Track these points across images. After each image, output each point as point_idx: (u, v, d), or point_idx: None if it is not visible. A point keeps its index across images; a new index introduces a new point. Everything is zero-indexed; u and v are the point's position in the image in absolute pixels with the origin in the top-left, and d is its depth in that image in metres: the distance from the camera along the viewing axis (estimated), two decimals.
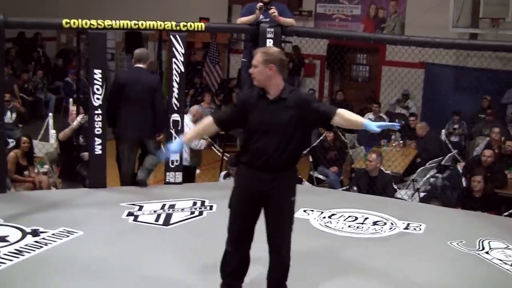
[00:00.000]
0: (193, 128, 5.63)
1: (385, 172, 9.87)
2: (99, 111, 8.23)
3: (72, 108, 8.59)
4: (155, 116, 8.46)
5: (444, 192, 10.12)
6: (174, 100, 8.55)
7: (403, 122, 14.18)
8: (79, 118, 8.99)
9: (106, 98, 8.38)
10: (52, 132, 11.81)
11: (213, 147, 12.23)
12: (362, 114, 14.32)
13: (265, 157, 5.03)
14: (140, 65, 8.61)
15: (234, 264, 5.35)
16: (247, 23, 8.93)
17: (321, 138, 11.82)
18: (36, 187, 9.18)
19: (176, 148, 5.65)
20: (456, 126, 13.92)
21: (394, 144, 12.19)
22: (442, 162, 11.21)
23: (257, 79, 5.09)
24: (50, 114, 12.64)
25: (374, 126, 4.94)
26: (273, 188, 5.07)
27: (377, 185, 9.28)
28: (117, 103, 8.47)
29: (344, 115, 5.05)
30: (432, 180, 10.66)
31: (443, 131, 12.94)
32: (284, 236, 5.17)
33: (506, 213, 9.02)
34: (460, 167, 11.10)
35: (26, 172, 9.32)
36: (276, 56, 5.08)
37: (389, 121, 14.22)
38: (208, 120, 5.40)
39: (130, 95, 8.43)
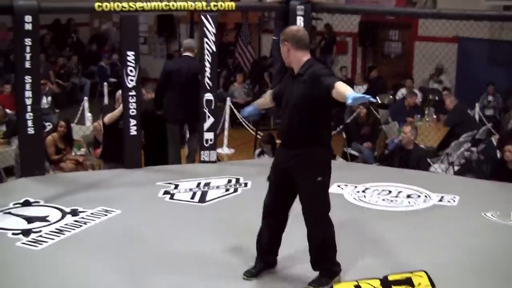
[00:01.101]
0: (261, 99, 5.79)
1: (420, 146, 9.86)
2: (133, 93, 8.34)
3: (120, 93, 8.72)
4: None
5: (479, 166, 10.08)
6: (206, 80, 8.62)
7: (436, 98, 14.19)
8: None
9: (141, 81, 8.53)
10: (88, 115, 12.01)
11: (247, 126, 12.33)
12: (395, 89, 14.35)
13: (284, 133, 5.21)
14: (188, 53, 9.13)
15: (266, 238, 5.45)
16: (277, 1, 8.97)
17: (354, 114, 11.83)
18: (77, 168, 9.38)
19: (251, 110, 5.73)
20: (490, 98, 13.82)
21: (427, 119, 12.15)
22: (476, 136, 11.16)
23: (283, 58, 5.26)
24: (86, 98, 12.82)
25: (350, 98, 4.69)
26: (295, 165, 5.16)
27: (411, 159, 9.28)
28: (165, 89, 8.99)
29: (338, 88, 4.87)
30: (466, 154, 10.62)
31: (477, 104, 12.87)
32: (312, 210, 5.22)
33: None
34: (494, 140, 11.06)
35: (62, 155, 9.50)
36: (288, 33, 5.20)
37: (423, 97, 14.22)
38: (268, 93, 5.72)
39: (178, 81, 8.88)
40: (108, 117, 8.74)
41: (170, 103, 9.05)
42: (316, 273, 5.33)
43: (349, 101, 4.67)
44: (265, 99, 5.70)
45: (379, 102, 11.68)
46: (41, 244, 6.08)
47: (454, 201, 7.46)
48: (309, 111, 5.07)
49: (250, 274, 5.44)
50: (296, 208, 5.31)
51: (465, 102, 12.05)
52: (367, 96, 4.72)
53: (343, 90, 4.80)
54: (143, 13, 8.38)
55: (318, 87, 5.00)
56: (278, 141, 10.44)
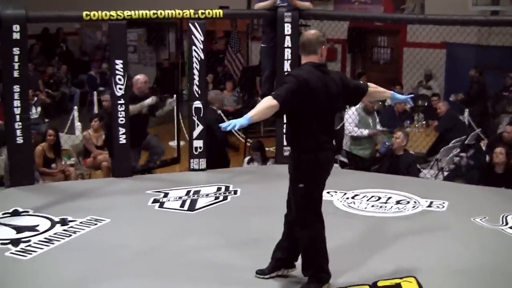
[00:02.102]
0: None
1: (410, 152, 9.88)
2: (122, 101, 8.34)
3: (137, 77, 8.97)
4: None
5: (468, 171, 10.11)
6: (195, 88, 8.63)
7: (425, 103, 14.21)
8: (169, 100, 9.36)
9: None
10: (78, 124, 11.99)
11: (236, 134, 12.33)
12: None
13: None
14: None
15: (283, 238, 5.49)
16: (265, 8, 8.98)
17: (343, 121, 11.83)
18: (65, 178, 9.35)
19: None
20: None
21: (417, 125, 12.17)
22: (466, 141, 11.19)
23: None
24: (75, 108, 12.82)
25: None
26: (288, 168, 5.26)
27: (400, 165, 9.30)
28: None
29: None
30: (456, 159, 10.65)
31: (466, 110, 12.90)
32: (297, 218, 5.26)
33: None
34: (483, 145, 11.09)
35: (53, 165, 9.47)
36: (300, 39, 5.29)
37: (412, 104, 14.22)
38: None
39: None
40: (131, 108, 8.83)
41: None
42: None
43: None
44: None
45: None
46: (30, 253, 6.07)
47: (443, 206, 7.47)
48: (291, 115, 5.15)
49: (261, 272, 5.51)
50: None
51: (455, 108, 12.06)
52: (237, 125, 4.69)
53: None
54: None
55: None
56: (269, 149, 10.52)
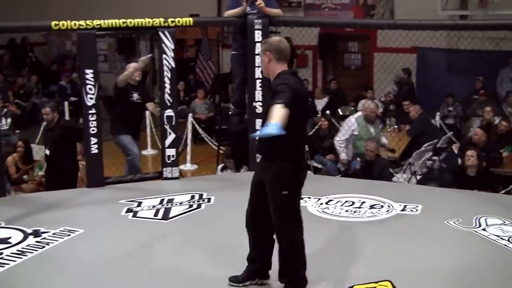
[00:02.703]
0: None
1: (381, 156, 9.94)
2: (93, 111, 8.29)
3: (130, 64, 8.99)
4: None
5: (441, 174, 10.17)
6: (166, 96, 8.60)
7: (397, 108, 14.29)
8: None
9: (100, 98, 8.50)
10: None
11: (209, 142, 12.34)
12: (356, 101, 14.42)
13: (257, 144, 5.25)
14: None
15: (250, 246, 5.48)
16: (235, 15, 8.96)
17: (316, 127, 11.87)
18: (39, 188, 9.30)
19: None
20: (450, 108, 13.98)
21: (389, 130, 12.24)
22: (438, 145, 11.26)
23: (262, 68, 5.27)
24: None
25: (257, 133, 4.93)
26: (263, 176, 5.21)
27: (373, 170, 9.34)
28: None
29: (270, 111, 4.87)
30: (428, 163, 10.71)
31: (438, 114, 13.01)
32: (278, 223, 5.24)
33: (503, 191, 9.08)
34: (455, 148, 11.16)
35: (25, 176, 9.40)
36: (271, 43, 5.18)
37: (384, 107, 14.32)
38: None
39: None
40: (121, 78, 8.90)
41: None
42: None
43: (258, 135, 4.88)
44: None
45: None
46: (3, 266, 5.99)
47: (417, 210, 7.50)
48: None
49: (234, 279, 5.48)
50: None
51: (426, 111, 12.14)
52: (273, 133, 4.67)
53: (271, 117, 4.79)
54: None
55: (271, 104, 4.98)
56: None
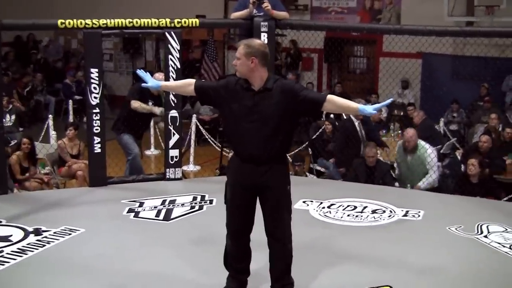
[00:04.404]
0: (174, 81, 5.62)
1: (383, 161, 9.92)
2: (97, 110, 8.29)
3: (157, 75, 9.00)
4: None
5: (443, 180, 10.14)
6: (171, 97, 8.60)
7: (402, 113, 14.28)
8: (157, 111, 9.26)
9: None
10: (53, 133, 11.90)
11: (213, 143, 12.32)
12: None
13: (255, 148, 5.01)
14: None
15: (236, 258, 5.38)
16: (241, 17, 8.96)
17: (319, 130, 11.86)
18: (42, 186, 9.29)
19: (153, 84, 5.60)
20: (455, 114, 13.98)
21: (392, 134, 12.22)
22: (441, 151, 11.25)
23: (239, 70, 5.07)
24: (50, 116, 12.74)
25: (370, 109, 4.96)
26: (266, 179, 5.07)
27: (375, 174, 9.33)
28: None
29: (336, 101, 5.06)
30: None
31: (442, 119, 12.99)
32: (284, 225, 5.17)
33: (505, 198, 9.06)
34: (459, 154, 11.14)
35: (27, 174, 9.39)
36: (258, 49, 5.05)
37: (388, 112, 14.32)
38: (190, 80, 5.46)
39: None
40: (137, 105, 8.94)
41: None
42: None
43: (373, 112, 5.00)
44: (182, 86, 5.53)
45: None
46: (3, 264, 5.99)
47: (419, 215, 7.49)
48: (287, 125, 5.07)
49: None
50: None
51: (430, 117, 12.13)
52: (389, 100, 5.19)
53: (348, 103, 5.13)
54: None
55: (299, 101, 5.00)
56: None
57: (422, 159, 9.53)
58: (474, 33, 9.73)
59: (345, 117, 10.98)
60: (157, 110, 9.21)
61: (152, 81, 5.48)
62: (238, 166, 5.17)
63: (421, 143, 9.67)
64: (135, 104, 8.98)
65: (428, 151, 9.58)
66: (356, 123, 10.28)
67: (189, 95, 5.63)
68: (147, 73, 5.75)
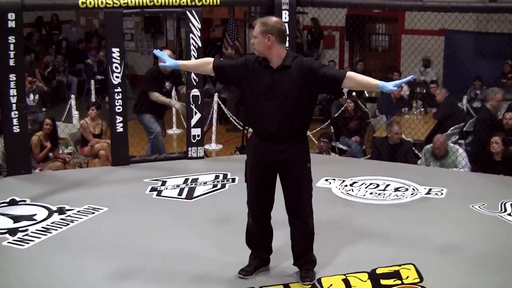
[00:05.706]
0: (193, 60, 5.57)
1: (406, 139, 9.86)
2: (119, 89, 8.32)
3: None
4: None
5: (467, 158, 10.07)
6: (193, 75, 8.60)
7: (424, 91, 14.19)
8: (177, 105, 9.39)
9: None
10: (75, 113, 11.94)
11: (234, 122, 12.31)
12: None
13: (274, 126, 5.00)
14: None
15: (257, 236, 5.40)
16: None
17: (342, 108, 11.82)
18: (64, 167, 9.33)
19: (171, 63, 5.41)
20: (477, 91, 13.85)
21: (415, 112, 12.13)
22: (464, 128, 11.17)
23: (257, 49, 5.04)
24: (72, 96, 12.77)
25: (390, 85, 4.90)
26: (286, 157, 5.05)
27: (398, 152, 9.29)
28: None
29: (356, 78, 5.01)
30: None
31: (465, 97, 12.89)
32: (305, 202, 5.19)
33: None
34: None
35: (50, 154, 9.43)
36: (274, 26, 5.01)
37: (410, 90, 14.24)
38: (209, 59, 5.43)
39: None
40: (155, 98, 8.92)
41: None
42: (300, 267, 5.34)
43: (394, 89, 4.96)
44: (201, 65, 5.51)
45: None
46: (28, 243, 6.06)
47: (442, 193, 7.46)
48: (307, 102, 5.03)
49: (246, 273, 5.38)
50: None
51: (453, 95, 12.03)
52: (410, 77, 5.25)
53: (368, 80, 5.11)
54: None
55: (318, 78, 4.96)
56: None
57: (453, 160, 9.39)
58: (497, 9, 9.62)
59: None
60: (177, 104, 9.23)
61: (170, 60, 5.38)
62: (258, 144, 5.16)
63: (452, 147, 9.45)
64: (153, 97, 8.95)
65: (459, 150, 9.40)
66: None
67: (207, 74, 5.62)
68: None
